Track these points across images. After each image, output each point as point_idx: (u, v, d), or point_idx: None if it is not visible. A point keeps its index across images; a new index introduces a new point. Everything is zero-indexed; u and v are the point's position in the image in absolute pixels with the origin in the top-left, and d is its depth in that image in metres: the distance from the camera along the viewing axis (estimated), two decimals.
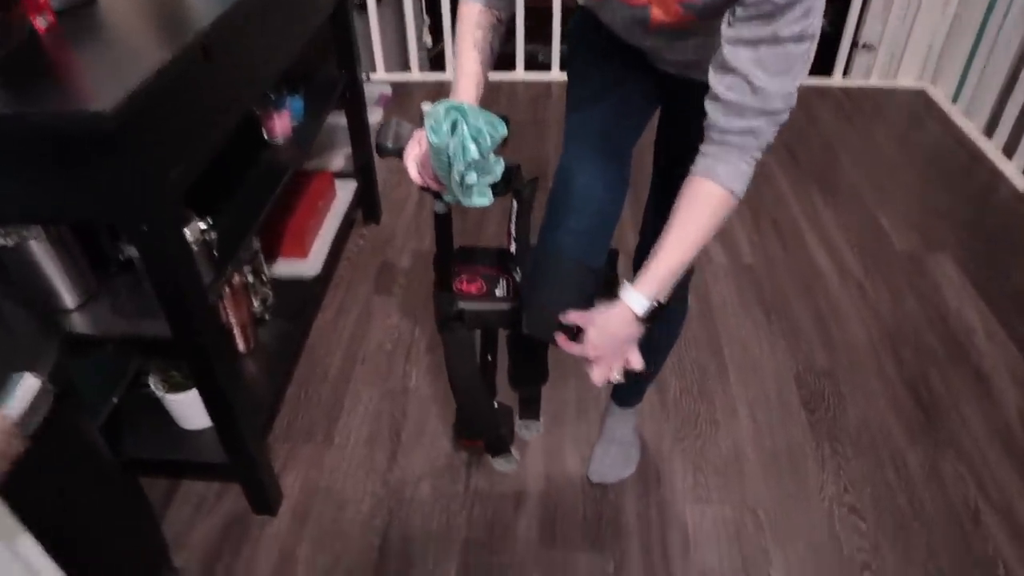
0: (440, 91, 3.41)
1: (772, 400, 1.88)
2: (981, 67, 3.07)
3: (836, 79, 3.46)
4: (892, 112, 3.26)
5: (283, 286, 1.95)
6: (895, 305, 2.17)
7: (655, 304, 1.04)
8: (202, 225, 1.32)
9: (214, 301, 1.36)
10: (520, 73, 3.49)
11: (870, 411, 1.84)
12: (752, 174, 0.99)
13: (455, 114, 0.96)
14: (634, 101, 1.24)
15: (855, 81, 3.48)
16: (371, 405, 1.87)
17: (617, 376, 1.11)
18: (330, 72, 2.18)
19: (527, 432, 1.60)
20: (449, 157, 0.98)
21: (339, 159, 2.52)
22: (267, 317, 1.85)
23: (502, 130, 0.98)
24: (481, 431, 1.47)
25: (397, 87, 3.43)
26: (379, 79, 3.46)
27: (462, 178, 1.01)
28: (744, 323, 2.11)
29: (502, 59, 3.57)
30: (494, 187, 1.07)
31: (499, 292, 1.37)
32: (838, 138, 3.04)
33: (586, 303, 1.14)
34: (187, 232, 1.29)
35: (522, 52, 3.45)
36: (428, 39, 3.53)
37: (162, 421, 1.59)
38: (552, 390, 1.88)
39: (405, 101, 3.34)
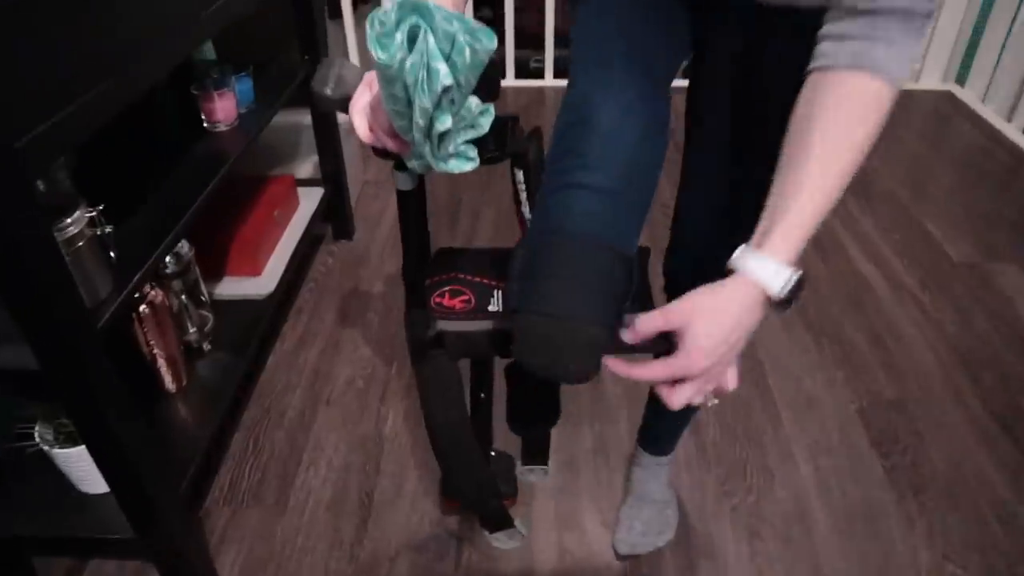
0: None
1: (835, 442, 1.52)
2: (1014, 66, 2.80)
3: None
4: (919, 114, 2.97)
5: (229, 309, 1.58)
6: (963, 323, 1.83)
7: (798, 278, 0.65)
8: (88, 214, 0.96)
9: (110, 321, 0.99)
10: (511, 80, 3.18)
11: (958, 452, 1.48)
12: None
13: (414, 18, 0.61)
14: (670, 9, 0.89)
15: None
16: (337, 457, 1.49)
17: (713, 399, 0.74)
18: (291, 59, 1.84)
19: (532, 477, 1.23)
20: (408, 87, 0.63)
21: (305, 166, 2.17)
22: (206, 347, 1.47)
23: (488, 43, 0.62)
24: (472, 499, 1.09)
25: None
26: None
27: (430, 123, 0.66)
28: (790, 349, 1.75)
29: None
30: (481, 145, 0.72)
31: (492, 307, 1.00)
32: None
33: (612, 314, 0.76)
34: (68, 223, 0.93)
35: (512, 58, 3.15)
36: None
37: (57, 483, 1.21)
38: (562, 431, 1.52)
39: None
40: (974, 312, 1.86)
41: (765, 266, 0.65)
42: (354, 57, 3.15)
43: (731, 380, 0.71)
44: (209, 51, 1.87)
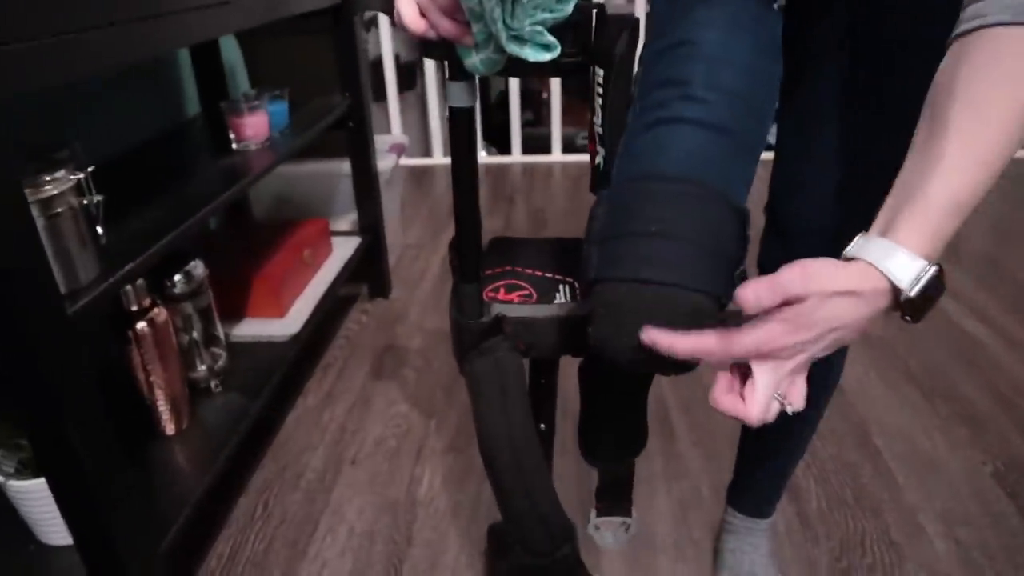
0: None
1: (972, 510, 1.22)
2: None
3: None
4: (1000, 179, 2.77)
5: (246, 351, 1.39)
6: None
7: (933, 274, 0.49)
8: (74, 175, 0.80)
9: (88, 309, 0.81)
10: (557, 155, 3.09)
11: None
12: None
13: None
14: None
15: None
16: (361, 524, 1.25)
17: (792, 406, 0.55)
18: (332, 99, 1.75)
19: (609, 539, 0.97)
20: None
21: (343, 221, 2.03)
22: (215, 387, 1.28)
23: None
24: (538, 545, 0.83)
25: (417, 170, 3.04)
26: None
27: None
28: (898, 408, 1.48)
29: (538, 142, 3.24)
30: (560, 36, 0.56)
31: (558, 299, 0.81)
32: None
33: (722, 282, 0.58)
34: (46, 180, 0.77)
35: (559, 135, 3.08)
36: None
37: (10, 528, 0.98)
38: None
39: (425, 183, 2.93)
40: None
41: (891, 254, 0.49)
42: (396, 132, 3.11)
43: (800, 391, 0.55)
44: (244, 84, 1.79)
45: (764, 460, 1.05)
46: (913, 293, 0.48)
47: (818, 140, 0.77)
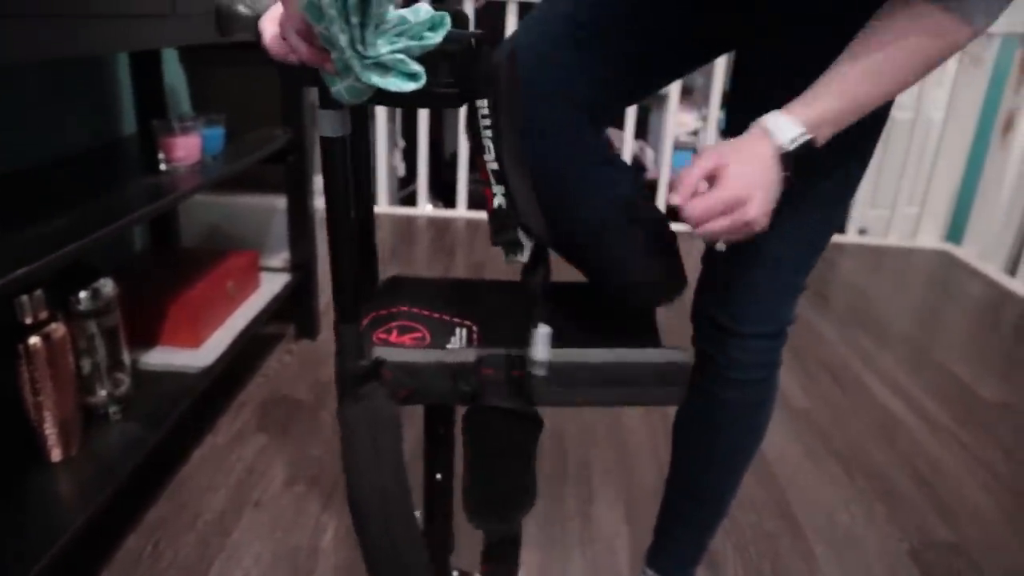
0: (409, 226, 3.00)
1: None
2: (1016, 226, 2.78)
3: (851, 236, 3.13)
4: (919, 267, 2.90)
5: (153, 380, 1.31)
6: (1016, 464, 1.58)
7: (807, 139, 0.65)
8: None
9: None
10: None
11: None
12: None
13: None
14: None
15: (873, 239, 3.16)
16: (257, 570, 1.16)
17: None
18: (272, 132, 1.72)
19: None
20: None
21: (275, 259, 1.98)
22: (113, 414, 1.19)
23: None
24: None
25: None
26: None
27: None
28: (818, 480, 1.48)
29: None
30: (430, 73, 0.56)
31: (452, 346, 0.78)
32: (869, 287, 2.62)
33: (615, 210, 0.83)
34: None
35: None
36: (401, 166, 3.18)
37: None
38: (545, 561, 1.21)
39: None
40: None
41: (777, 120, 0.66)
42: None
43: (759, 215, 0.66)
44: (186, 109, 1.76)
45: (686, 514, 1.02)
46: (788, 148, 0.65)
47: None
